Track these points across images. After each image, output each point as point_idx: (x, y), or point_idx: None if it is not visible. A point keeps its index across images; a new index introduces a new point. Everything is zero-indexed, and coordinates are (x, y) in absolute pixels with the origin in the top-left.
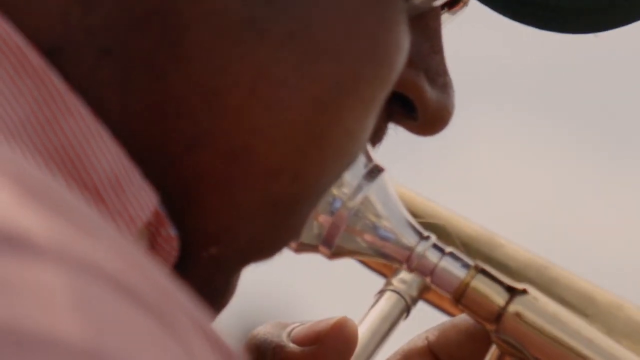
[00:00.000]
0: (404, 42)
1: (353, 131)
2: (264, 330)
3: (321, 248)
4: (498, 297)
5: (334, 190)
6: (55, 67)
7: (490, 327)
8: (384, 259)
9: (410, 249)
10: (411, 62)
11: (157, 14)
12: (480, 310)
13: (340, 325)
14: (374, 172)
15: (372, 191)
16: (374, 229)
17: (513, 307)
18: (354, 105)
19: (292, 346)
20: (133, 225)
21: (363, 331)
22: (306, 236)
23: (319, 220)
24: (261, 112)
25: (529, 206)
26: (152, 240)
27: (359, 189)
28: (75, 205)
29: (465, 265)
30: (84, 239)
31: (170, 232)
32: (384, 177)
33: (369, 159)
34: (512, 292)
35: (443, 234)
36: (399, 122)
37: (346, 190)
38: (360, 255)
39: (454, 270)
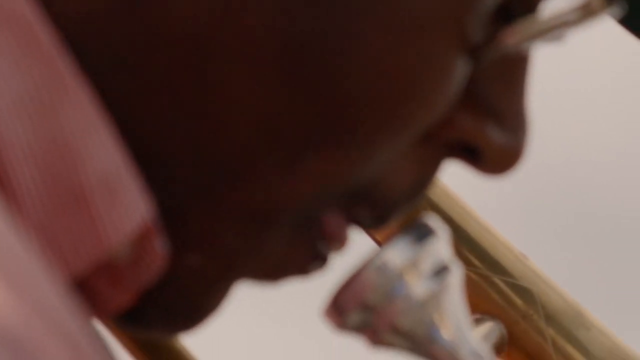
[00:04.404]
0: (438, 93)
1: (336, 172)
2: None
3: (364, 333)
4: None
5: (404, 273)
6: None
7: None
8: None
9: None
10: (477, 104)
11: (188, 39)
12: None
13: None
14: (449, 269)
15: (443, 288)
16: (431, 330)
17: None
18: (347, 149)
19: None
20: (115, 235)
21: None
22: (352, 319)
23: (370, 304)
24: (258, 138)
25: None
26: (137, 253)
27: (428, 280)
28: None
29: None
30: None
31: (157, 247)
32: (458, 276)
33: (449, 252)
34: None
35: (528, 298)
36: (461, 160)
37: (415, 277)
38: (403, 351)
39: None
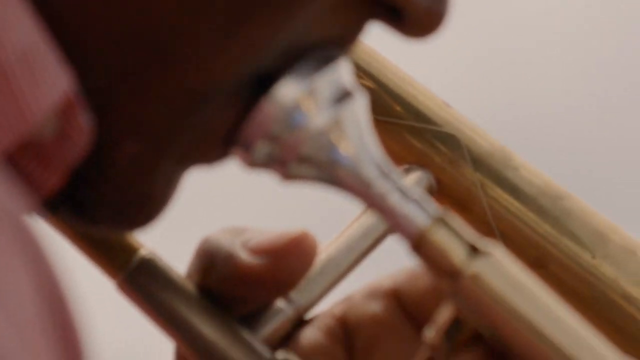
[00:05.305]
0: None
1: (266, 38)
2: (218, 235)
3: (274, 168)
4: (458, 255)
5: (302, 101)
6: None
7: (447, 286)
8: (343, 190)
9: (371, 187)
10: None
11: None
12: (438, 266)
13: (297, 241)
14: (351, 95)
15: (344, 114)
16: (332, 153)
17: (472, 269)
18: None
19: (243, 256)
20: (38, 108)
21: (340, 245)
22: (259, 153)
23: (273, 136)
24: (186, 13)
25: None
26: (62, 128)
27: (328, 107)
28: None
29: (431, 216)
30: None
31: (82, 121)
32: (362, 102)
33: (350, 80)
34: (475, 252)
35: (453, 144)
36: (384, 22)
37: (313, 105)
38: (316, 182)
39: (416, 218)
